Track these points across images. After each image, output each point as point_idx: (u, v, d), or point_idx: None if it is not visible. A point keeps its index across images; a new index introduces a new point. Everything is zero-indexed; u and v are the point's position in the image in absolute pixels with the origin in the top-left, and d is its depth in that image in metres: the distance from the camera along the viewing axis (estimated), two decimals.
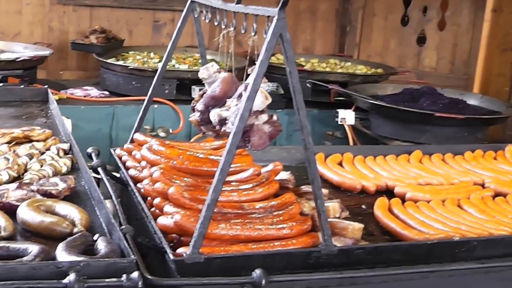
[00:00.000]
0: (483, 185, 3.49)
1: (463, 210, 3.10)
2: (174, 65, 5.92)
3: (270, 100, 2.47)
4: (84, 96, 5.61)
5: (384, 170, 3.55)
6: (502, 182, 3.49)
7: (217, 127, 2.57)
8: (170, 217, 2.44)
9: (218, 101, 2.69)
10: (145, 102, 3.41)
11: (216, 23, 2.90)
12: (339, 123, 5.52)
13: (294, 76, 2.33)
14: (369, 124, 5.54)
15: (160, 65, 3.40)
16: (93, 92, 5.72)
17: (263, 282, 2.20)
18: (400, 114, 5.22)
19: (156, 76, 3.37)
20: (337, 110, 5.56)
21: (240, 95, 2.51)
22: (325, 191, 2.92)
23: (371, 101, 5.38)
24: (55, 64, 6.26)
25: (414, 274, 2.49)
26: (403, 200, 3.20)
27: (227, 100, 2.60)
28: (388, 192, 3.35)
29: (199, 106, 2.72)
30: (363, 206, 3.15)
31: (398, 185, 3.33)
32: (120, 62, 5.87)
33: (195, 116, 2.74)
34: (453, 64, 7.55)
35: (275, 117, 2.52)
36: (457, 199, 3.20)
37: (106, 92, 5.73)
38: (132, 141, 3.39)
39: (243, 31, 2.60)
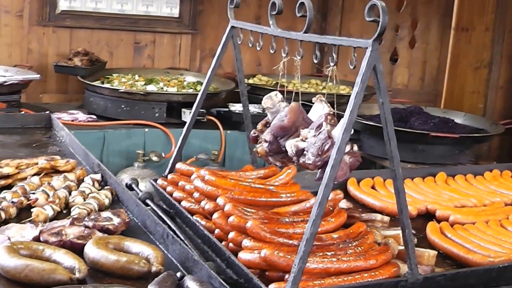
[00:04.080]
0: None
1: (508, 231, 3.16)
2: (162, 88, 5.85)
3: (352, 131, 2.46)
4: (72, 120, 5.49)
5: (418, 193, 3.59)
6: None
7: (294, 158, 2.54)
8: (256, 252, 2.39)
9: (287, 131, 2.67)
10: (184, 131, 3.34)
11: (272, 51, 2.86)
12: None
13: (386, 108, 2.34)
14: (360, 144, 5.57)
15: (200, 92, 3.33)
16: (80, 116, 5.60)
17: None
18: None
19: (196, 103, 3.32)
20: None
21: (319, 126, 2.49)
22: (386, 218, 2.92)
23: (364, 122, 5.44)
24: (35, 87, 6.08)
25: None
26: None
27: (300, 130, 2.58)
28: (427, 215, 3.38)
29: (267, 136, 2.68)
30: (413, 231, 3.15)
31: (438, 208, 3.36)
32: (107, 85, 5.76)
33: (262, 147, 2.70)
34: (423, 80, 7.70)
35: (355, 148, 2.51)
36: (498, 220, 3.27)
37: (94, 116, 5.62)
38: (171, 171, 3.31)
39: (315, 61, 2.59)
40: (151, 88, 5.81)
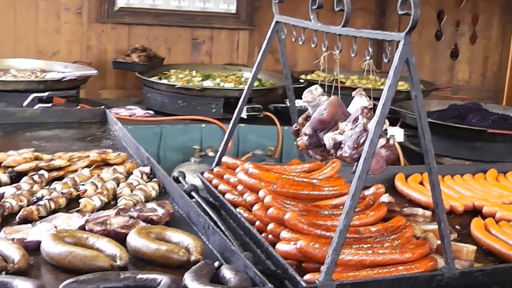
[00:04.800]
0: None
1: None
2: (219, 84, 5.92)
3: (388, 124, 2.47)
4: (130, 116, 5.60)
5: (466, 189, 3.56)
6: None
7: (332, 151, 2.57)
8: (292, 243, 2.42)
9: (326, 125, 2.69)
10: (230, 125, 3.40)
11: (313, 45, 2.89)
12: None
13: (419, 101, 2.34)
14: (417, 141, 5.52)
15: (246, 87, 3.38)
16: (138, 111, 5.70)
17: None
18: (451, 131, 5.22)
19: (242, 98, 3.36)
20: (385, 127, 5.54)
21: (355, 119, 2.50)
22: (428, 213, 2.92)
23: None
24: (94, 83, 6.23)
25: None
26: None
27: (339, 124, 2.60)
28: (474, 212, 3.35)
29: (307, 129, 2.71)
30: (457, 227, 3.14)
31: (485, 204, 3.32)
32: (164, 81, 5.87)
33: (303, 140, 2.73)
34: (484, 77, 7.59)
35: (391, 141, 2.52)
36: None
37: (151, 112, 5.71)
38: (218, 164, 3.37)
39: (353, 55, 2.61)
40: (207, 83, 5.88)
